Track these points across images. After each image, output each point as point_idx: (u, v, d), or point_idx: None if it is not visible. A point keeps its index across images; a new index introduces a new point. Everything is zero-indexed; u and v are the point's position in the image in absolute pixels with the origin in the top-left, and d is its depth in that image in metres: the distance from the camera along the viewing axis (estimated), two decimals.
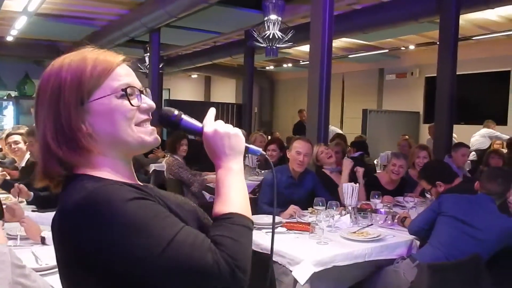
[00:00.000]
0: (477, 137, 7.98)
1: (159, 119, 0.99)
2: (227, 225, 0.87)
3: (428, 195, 3.65)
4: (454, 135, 6.47)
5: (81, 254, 0.81)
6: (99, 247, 0.79)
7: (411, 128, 10.03)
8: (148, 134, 0.94)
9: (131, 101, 0.91)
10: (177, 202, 0.96)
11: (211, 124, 0.99)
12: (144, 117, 0.94)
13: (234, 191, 0.93)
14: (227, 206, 0.90)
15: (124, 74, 0.93)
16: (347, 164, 3.96)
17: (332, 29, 4.32)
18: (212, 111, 1.01)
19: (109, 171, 0.90)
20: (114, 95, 0.89)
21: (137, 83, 0.95)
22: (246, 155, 1.01)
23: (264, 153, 1.08)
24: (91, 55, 0.92)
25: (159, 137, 0.97)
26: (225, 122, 0.99)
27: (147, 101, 0.95)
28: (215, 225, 0.88)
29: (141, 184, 0.96)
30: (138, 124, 0.92)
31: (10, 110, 11.73)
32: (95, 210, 0.79)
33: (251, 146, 1.04)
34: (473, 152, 7.61)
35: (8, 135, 4.11)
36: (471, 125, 8.81)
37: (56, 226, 0.85)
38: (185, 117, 1.00)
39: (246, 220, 0.90)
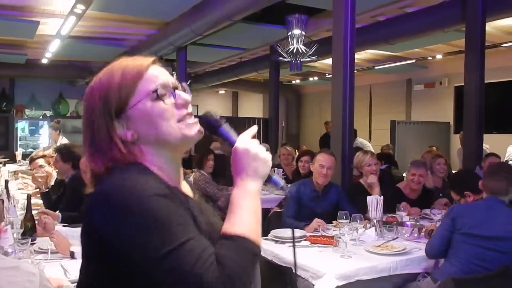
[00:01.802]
0: None
1: (201, 118, 1.01)
2: (233, 246, 0.87)
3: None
4: (486, 145, 6.31)
5: (95, 238, 0.86)
6: (111, 234, 0.83)
7: (441, 139, 9.81)
8: (190, 127, 0.96)
9: (165, 100, 0.94)
10: (209, 220, 0.99)
11: (245, 140, 0.99)
12: (183, 112, 0.96)
13: (246, 213, 0.92)
14: (237, 227, 0.90)
15: (156, 75, 0.96)
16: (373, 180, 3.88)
17: (354, 41, 4.32)
18: (253, 129, 1.02)
19: (154, 169, 0.94)
20: (148, 99, 0.94)
21: (171, 80, 0.98)
22: (267, 183, 1.05)
23: (285, 186, 1.07)
24: (118, 66, 0.97)
25: (202, 129, 0.99)
26: (253, 137, 1.00)
27: (182, 96, 0.98)
28: (222, 243, 0.88)
29: (182, 191, 0.99)
30: (179, 120, 0.96)
31: (45, 129, 12.16)
32: (120, 198, 0.84)
33: (275, 176, 1.03)
34: (511, 162, 7.38)
35: (31, 161, 4.25)
36: (504, 134, 8.56)
37: (84, 212, 0.91)
38: (224, 126, 1.01)
39: (253, 245, 0.89)
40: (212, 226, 0.98)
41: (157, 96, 0.94)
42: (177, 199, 0.89)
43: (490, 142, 7.40)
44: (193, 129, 0.97)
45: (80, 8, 5.82)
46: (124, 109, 0.94)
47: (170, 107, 0.95)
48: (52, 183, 4.09)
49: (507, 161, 7.32)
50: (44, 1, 6.31)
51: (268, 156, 0.99)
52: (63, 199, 3.54)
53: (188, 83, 1.08)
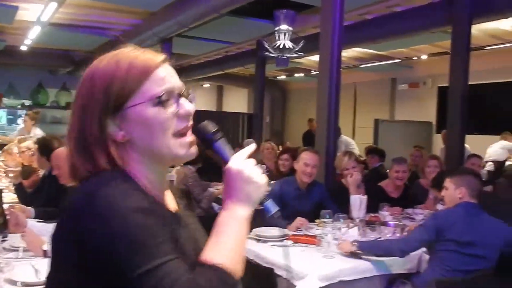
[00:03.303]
0: (496, 148, 7.89)
1: (195, 129, 0.94)
2: (209, 276, 0.81)
3: (440, 205, 3.58)
4: (467, 145, 6.38)
5: (75, 240, 0.80)
6: (93, 244, 0.78)
7: (423, 138, 9.91)
8: (184, 147, 0.90)
9: (167, 109, 0.87)
10: (193, 235, 0.95)
11: (240, 161, 0.92)
12: (182, 125, 0.89)
13: (230, 241, 0.86)
14: (217, 255, 0.84)
15: (164, 77, 0.88)
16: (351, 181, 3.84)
17: (342, 39, 4.29)
18: (251, 148, 0.95)
19: (139, 179, 0.88)
20: (150, 102, 0.86)
21: (178, 85, 0.90)
22: (260, 207, 0.97)
23: (277, 213, 0.98)
24: (126, 58, 0.88)
25: (196, 150, 0.92)
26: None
27: (186, 106, 0.90)
28: (199, 271, 0.82)
29: (166, 205, 0.94)
30: (176, 134, 0.88)
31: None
32: (102, 207, 0.78)
33: (269, 202, 0.96)
34: (490, 163, 7.50)
35: (20, 142, 4.12)
36: (485, 135, 8.67)
37: (63, 207, 0.85)
38: (220, 142, 0.95)
39: (231, 278, 0.83)
40: (196, 243, 0.93)
41: (160, 103, 0.86)
42: (160, 216, 0.83)
43: (471, 143, 7.48)
44: (188, 150, 0.91)
45: None
46: (122, 106, 0.86)
47: (170, 117, 0.87)
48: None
49: (486, 162, 7.44)
50: None
51: (262, 179, 0.92)
52: (42, 194, 3.41)
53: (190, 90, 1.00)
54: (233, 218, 0.89)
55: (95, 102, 0.86)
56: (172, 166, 6.06)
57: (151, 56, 0.90)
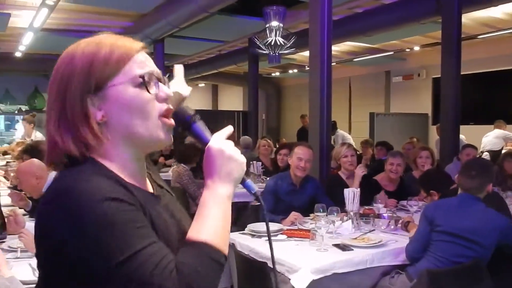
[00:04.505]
0: (491, 137, 7.86)
1: (175, 113, 0.94)
2: (195, 254, 0.82)
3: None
4: (462, 136, 6.39)
5: (49, 242, 0.80)
6: (63, 239, 0.77)
7: (419, 130, 9.93)
8: (163, 130, 0.89)
9: (149, 90, 0.87)
10: (175, 216, 0.94)
11: (220, 140, 0.92)
12: (163, 107, 0.89)
13: (214, 218, 0.86)
14: (202, 233, 0.84)
15: (144, 61, 0.89)
16: (359, 173, 3.87)
17: (331, 34, 4.30)
18: (229, 129, 0.96)
19: (115, 165, 0.87)
20: (131, 83, 0.86)
21: (156, 70, 0.91)
22: (241, 185, 1.02)
23: (258, 193, 0.99)
24: (107, 41, 0.89)
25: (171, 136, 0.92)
26: (228, 138, 0.94)
27: (165, 90, 0.91)
28: (184, 250, 0.83)
29: (145, 189, 0.94)
30: (155, 116, 0.88)
31: (21, 124, 11.86)
32: (68, 201, 0.77)
33: (249, 180, 0.98)
34: (486, 153, 7.50)
35: (18, 146, 4.14)
36: (481, 125, 8.69)
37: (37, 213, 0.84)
38: (199, 123, 0.95)
39: (217, 253, 0.84)
40: (179, 224, 0.93)
41: (143, 83, 0.86)
42: (135, 201, 0.83)
43: (467, 133, 7.50)
44: (167, 133, 0.90)
45: None
46: (103, 86, 0.85)
47: (151, 98, 0.87)
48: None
49: (482, 152, 7.45)
50: None
51: (243, 158, 0.93)
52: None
53: (167, 76, 1.02)
54: (216, 196, 0.89)
55: (76, 82, 0.85)
56: (165, 165, 6.08)
57: (131, 41, 0.92)
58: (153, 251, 0.78)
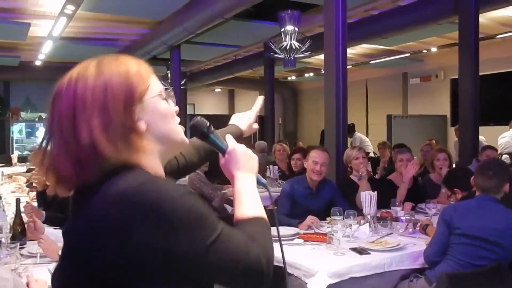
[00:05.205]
0: (508, 138, 7.65)
1: (192, 127, 1.08)
2: (257, 225, 0.98)
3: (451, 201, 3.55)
4: (482, 137, 6.28)
5: (129, 245, 0.81)
6: (155, 241, 0.81)
7: (438, 132, 9.79)
8: (183, 134, 1.02)
9: (169, 102, 0.99)
10: None
11: (237, 143, 1.11)
12: (178, 118, 1.02)
13: (254, 199, 1.03)
14: (252, 210, 1.00)
15: (156, 80, 0.99)
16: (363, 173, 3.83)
17: (346, 36, 4.29)
18: (233, 137, 1.15)
19: (149, 170, 0.91)
20: (160, 96, 0.96)
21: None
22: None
23: (266, 185, 1.15)
24: (126, 60, 0.96)
25: None
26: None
27: (174, 106, 1.03)
28: (245, 224, 0.97)
29: None
30: (178, 123, 1.01)
31: (41, 132, 12.08)
32: (153, 201, 0.82)
33: (258, 175, 1.13)
34: (506, 155, 7.30)
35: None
36: (501, 126, 8.52)
37: (95, 218, 0.84)
38: (214, 133, 1.10)
39: (267, 222, 1.01)
40: None
41: (164, 98, 0.98)
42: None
43: (487, 134, 7.36)
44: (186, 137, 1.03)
45: (70, 8, 5.78)
46: (143, 97, 0.92)
47: (175, 110, 1.00)
48: None
49: (501, 153, 7.27)
50: (34, 3, 6.26)
51: (255, 155, 1.12)
52: (57, 200, 3.49)
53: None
54: (248, 184, 1.07)
55: (119, 94, 0.89)
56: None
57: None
58: (229, 230, 0.90)
